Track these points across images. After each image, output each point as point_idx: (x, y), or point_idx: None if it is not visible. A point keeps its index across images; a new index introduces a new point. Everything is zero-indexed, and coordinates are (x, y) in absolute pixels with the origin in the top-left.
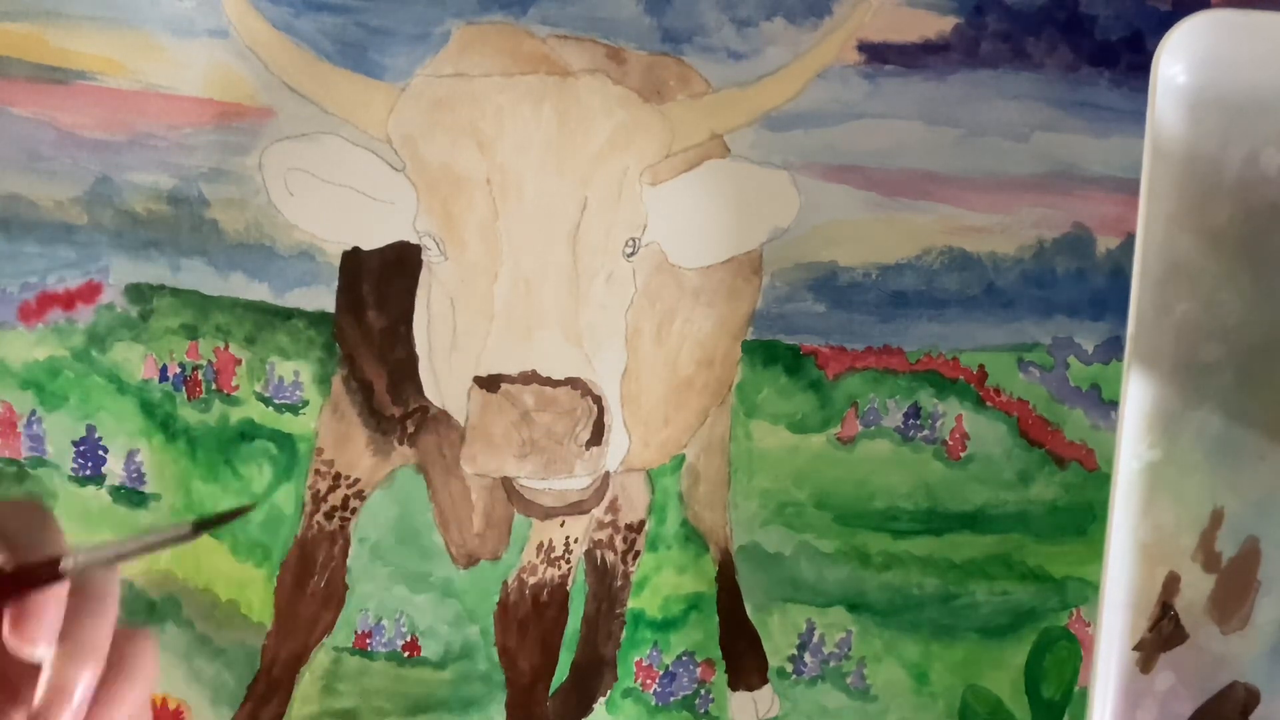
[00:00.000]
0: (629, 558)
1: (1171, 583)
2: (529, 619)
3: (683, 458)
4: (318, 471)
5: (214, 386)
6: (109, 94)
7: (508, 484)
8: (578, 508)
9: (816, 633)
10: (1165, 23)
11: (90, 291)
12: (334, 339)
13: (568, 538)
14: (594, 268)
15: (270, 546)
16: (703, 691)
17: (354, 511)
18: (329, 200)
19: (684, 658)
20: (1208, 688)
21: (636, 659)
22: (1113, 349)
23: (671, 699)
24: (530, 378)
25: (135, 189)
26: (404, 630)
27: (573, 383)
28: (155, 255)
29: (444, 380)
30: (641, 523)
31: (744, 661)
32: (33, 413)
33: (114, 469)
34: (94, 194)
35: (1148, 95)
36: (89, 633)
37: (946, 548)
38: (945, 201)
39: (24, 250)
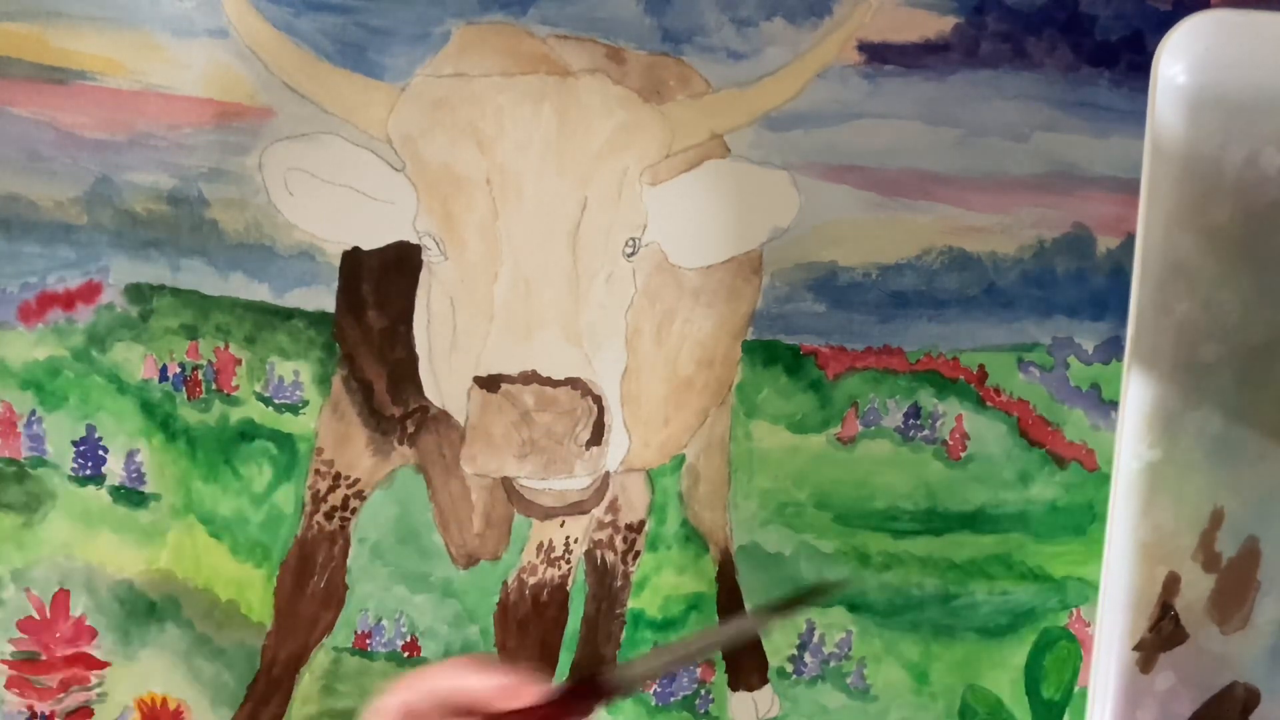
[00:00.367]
0: (629, 558)
1: (1171, 583)
2: (529, 619)
3: (683, 458)
4: (318, 471)
5: (214, 386)
6: (109, 94)
7: (508, 484)
8: (578, 508)
9: (816, 633)
10: (1165, 23)
11: (90, 291)
12: (334, 339)
13: (568, 538)
14: (594, 268)
15: (270, 546)
16: (703, 691)
17: (354, 511)
18: (329, 200)
19: None
20: (1208, 688)
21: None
22: (1113, 349)
23: (671, 699)
24: (530, 378)
25: (135, 189)
26: (404, 630)
27: (573, 383)
28: (155, 255)
29: (444, 380)
30: (641, 523)
31: (744, 661)
32: (33, 413)
33: (114, 469)
34: (94, 194)
35: (1148, 95)
36: None
37: (946, 548)
38: (945, 201)
39: (24, 250)
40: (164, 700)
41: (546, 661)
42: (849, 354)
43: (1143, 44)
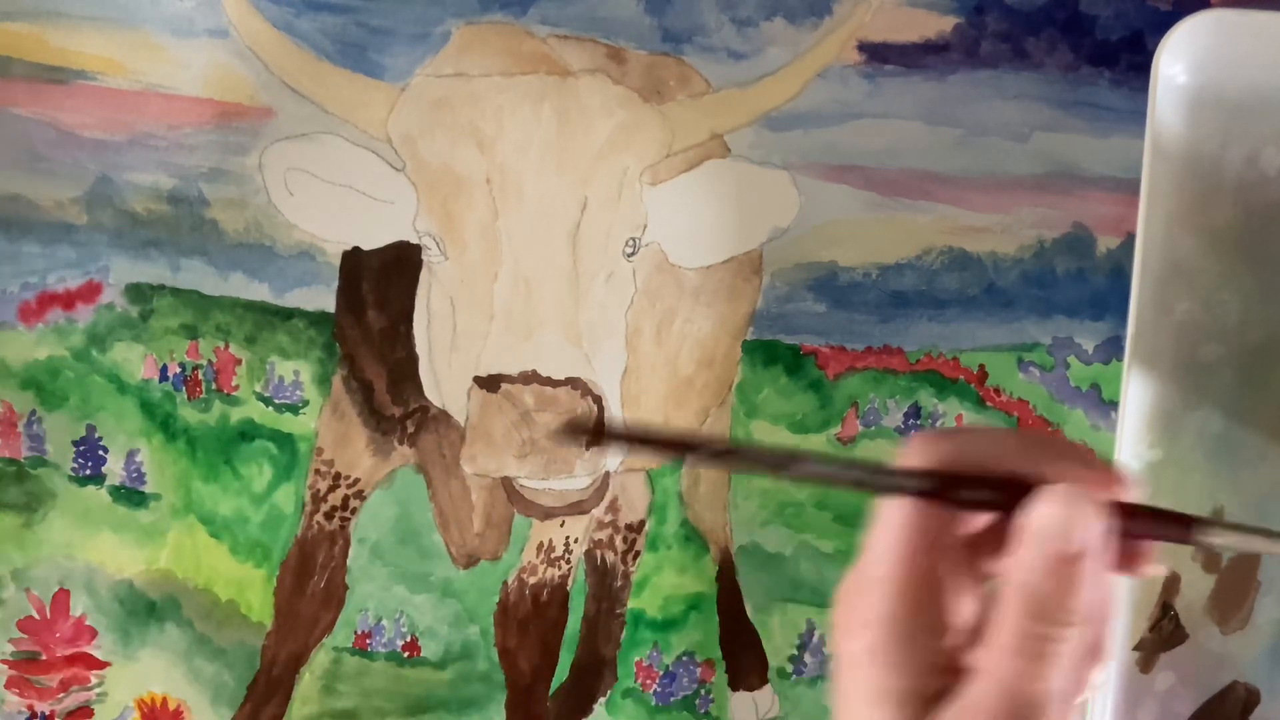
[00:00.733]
0: (629, 558)
1: (1171, 583)
2: (529, 619)
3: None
4: (318, 471)
5: (214, 386)
6: (109, 94)
7: (508, 484)
8: (578, 508)
9: (816, 633)
10: (1165, 23)
11: (90, 291)
12: (334, 339)
13: (568, 538)
14: (594, 268)
15: (270, 546)
16: (703, 692)
17: (354, 511)
18: (329, 200)
19: (684, 658)
20: (1208, 688)
21: (636, 659)
22: (1113, 349)
23: (671, 699)
24: (530, 378)
25: (135, 189)
26: (404, 630)
27: (573, 383)
28: (155, 255)
29: (444, 380)
30: (641, 523)
31: (744, 661)
32: (33, 413)
33: (114, 469)
34: (94, 194)
35: (1148, 95)
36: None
37: None
38: (945, 201)
39: (24, 250)
40: (164, 700)
41: (546, 661)
42: (849, 354)
43: (1143, 44)
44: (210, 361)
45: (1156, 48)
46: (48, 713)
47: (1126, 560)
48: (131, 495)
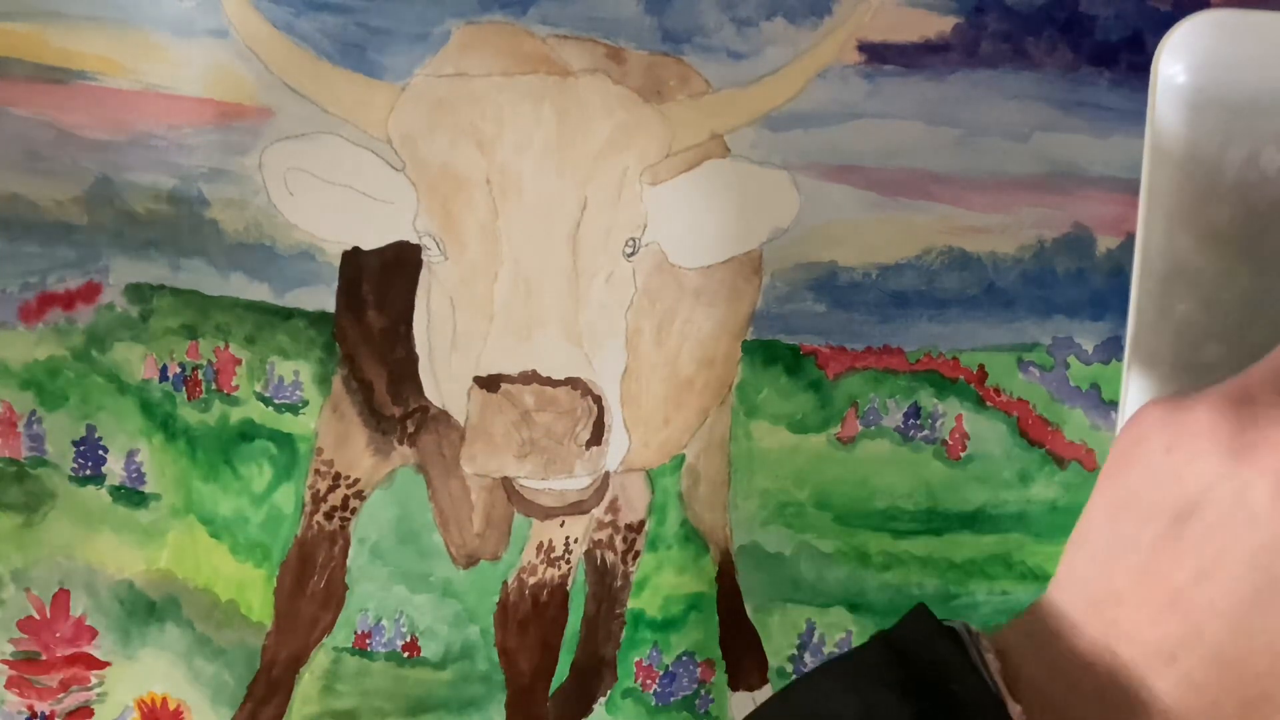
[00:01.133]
0: (629, 558)
1: None
2: (529, 619)
3: (683, 458)
4: (317, 471)
5: (214, 386)
6: (109, 94)
7: (508, 484)
8: (578, 508)
9: (816, 633)
10: (1165, 23)
11: (90, 291)
12: (334, 339)
13: (568, 538)
14: (594, 268)
15: (270, 546)
16: (703, 692)
17: (354, 511)
18: (329, 200)
19: (684, 658)
20: None
21: (636, 659)
22: (1113, 349)
23: (671, 699)
24: (530, 378)
25: (135, 189)
26: (404, 630)
27: (573, 383)
28: (155, 255)
29: (444, 380)
30: (641, 523)
31: (744, 661)
32: (33, 413)
33: (114, 469)
34: (94, 194)
35: (1148, 95)
36: None
37: (946, 548)
38: (945, 201)
39: (24, 250)
40: (164, 700)
41: (546, 661)
42: (849, 354)
43: (1143, 44)
44: (210, 361)
45: (1156, 48)
46: (48, 713)
47: None
48: (131, 495)
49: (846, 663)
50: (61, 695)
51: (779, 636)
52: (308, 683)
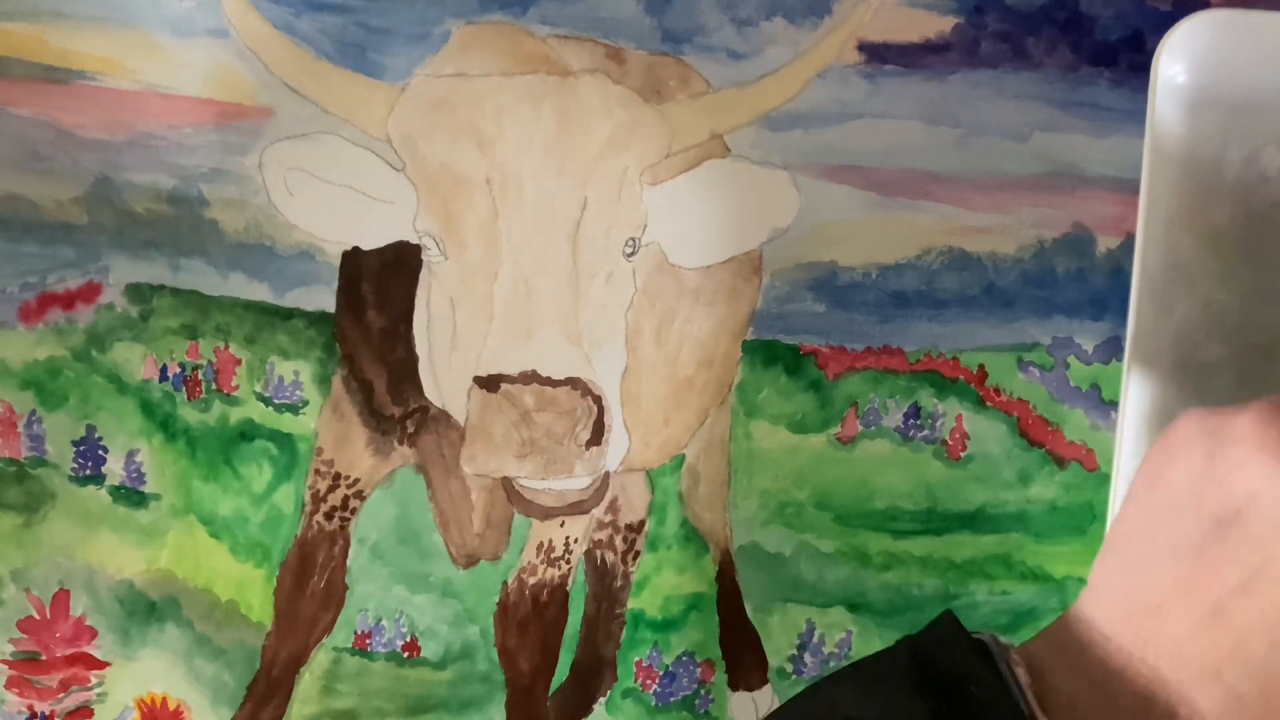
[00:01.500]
0: (629, 558)
1: None
2: (529, 619)
3: (683, 458)
4: (318, 471)
5: (214, 386)
6: (109, 94)
7: (508, 484)
8: (578, 508)
9: (816, 633)
10: (1165, 23)
11: (90, 291)
12: (334, 339)
13: (568, 538)
14: (594, 268)
15: (270, 546)
16: (703, 692)
17: (354, 511)
18: (329, 200)
19: (684, 658)
20: None
21: (636, 659)
22: (1113, 349)
23: (671, 699)
24: (530, 378)
25: (135, 189)
26: (404, 630)
27: (573, 383)
28: (155, 255)
29: (444, 380)
30: (641, 523)
31: (744, 661)
32: (33, 413)
33: (114, 469)
34: (94, 194)
35: (1148, 95)
36: None
37: (946, 548)
38: (945, 201)
39: (24, 250)
40: (164, 700)
41: (546, 661)
42: (849, 354)
43: (1143, 44)
44: (210, 361)
45: (1156, 48)
46: (48, 713)
47: None
48: (131, 495)
49: (870, 665)
50: (61, 695)
51: (779, 636)
52: (308, 683)
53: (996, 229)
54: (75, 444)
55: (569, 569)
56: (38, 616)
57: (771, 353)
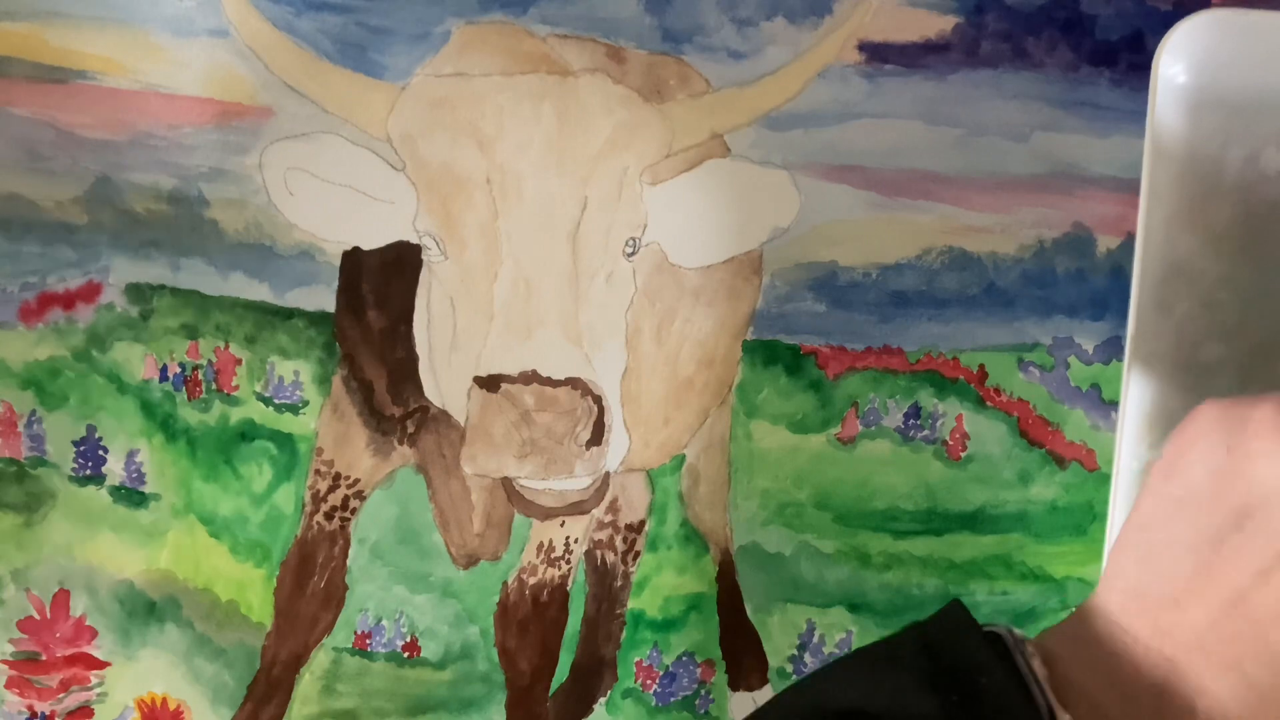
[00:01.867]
0: (629, 558)
1: None
2: (529, 619)
3: (683, 458)
4: (318, 471)
5: (214, 386)
6: (109, 94)
7: (508, 484)
8: (578, 508)
9: (816, 633)
10: (1165, 23)
11: (90, 291)
12: (334, 339)
13: (568, 538)
14: (594, 267)
15: (270, 546)
16: (703, 692)
17: (354, 511)
18: (329, 200)
19: (684, 658)
20: None
21: (636, 659)
22: (1113, 349)
23: (671, 699)
24: (530, 378)
25: (135, 189)
26: (404, 630)
27: (573, 383)
28: (155, 255)
29: (444, 380)
30: (641, 523)
31: (744, 661)
32: (33, 413)
33: (114, 469)
34: (94, 194)
35: (1148, 95)
36: None
37: (946, 548)
38: (945, 201)
39: (24, 250)
40: (164, 700)
41: (546, 661)
42: (849, 354)
43: (1143, 44)
44: (210, 361)
45: (1156, 48)
46: (48, 713)
47: None
48: (131, 495)
49: (879, 651)
50: (61, 695)
51: (779, 636)
52: (308, 683)
53: (996, 229)
54: (75, 444)
55: (569, 569)
56: (38, 616)
57: (772, 353)
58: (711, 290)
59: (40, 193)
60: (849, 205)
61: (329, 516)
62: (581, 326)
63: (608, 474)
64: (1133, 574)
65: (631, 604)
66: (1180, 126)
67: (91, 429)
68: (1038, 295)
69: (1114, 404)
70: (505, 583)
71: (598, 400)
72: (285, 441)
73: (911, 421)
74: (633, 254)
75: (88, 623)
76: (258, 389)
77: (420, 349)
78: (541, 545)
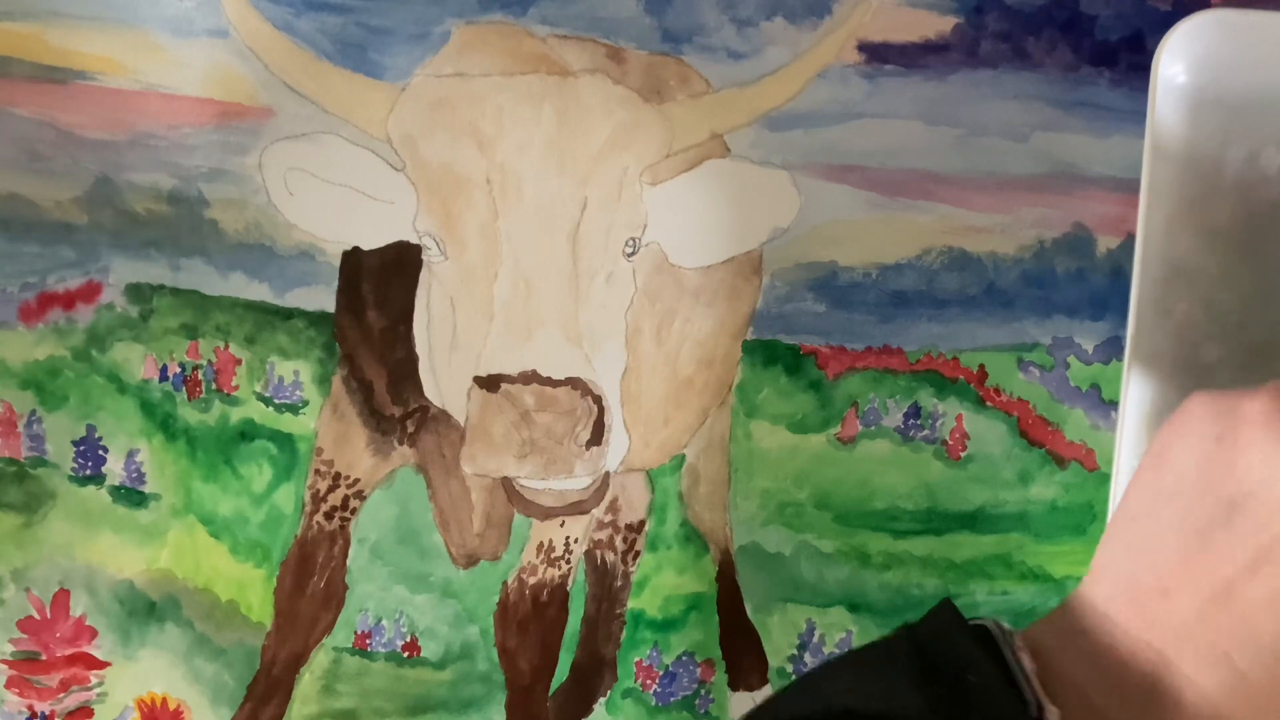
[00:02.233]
0: (629, 558)
1: None
2: (529, 619)
3: (683, 458)
4: (318, 471)
5: (214, 386)
6: (109, 94)
7: (508, 484)
8: (578, 508)
9: (816, 633)
10: (1165, 23)
11: (90, 291)
12: (334, 339)
13: (568, 538)
14: (594, 267)
15: (270, 546)
16: (703, 691)
17: (354, 511)
18: (329, 200)
19: (684, 658)
20: None
21: (636, 659)
22: (1113, 349)
23: (671, 699)
24: (530, 378)
25: (135, 189)
26: (404, 630)
27: (573, 383)
28: (155, 255)
29: (444, 380)
30: (641, 523)
31: (744, 661)
32: (33, 413)
33: (114, 469)
34: (94, 194)
35: (1148, 95)
36: None
37: (946, 548)
38: (945, 201)
39: (24, 250)
40: (164, 700)
41: (546, 661)
42: (849, 354)
43: (1143, 44)
44: (210, 361)
45: (1156, 48)
46: (48, 713)
47: None
48: (131, 495)
49: (868, 654)
50: (61, 695)
51: (779, 636)
52: (308, 683)
53: (996, 229)
54: (75, 444)
55: (569, 569)
56: (38, 616)
57: (771, 353)
58: (711, 290)
59: (40, 193)
60: (849, 205)
61: (329, 516)
62: (581, 326)
63: (607, 474)
64: (1121, 564)
65: (631, 604)
66: (1180, 126)
67: (91, 429)
68: (1038, 295)
69: (1114, 404)
70: (505, 582)
71: (598, 400)
72: (285, 441)
73: (911, 421)
74: (633, 254)
75: (88, 623)
76: (258, 389)
77: (420, 349)
78: (541, 545)
